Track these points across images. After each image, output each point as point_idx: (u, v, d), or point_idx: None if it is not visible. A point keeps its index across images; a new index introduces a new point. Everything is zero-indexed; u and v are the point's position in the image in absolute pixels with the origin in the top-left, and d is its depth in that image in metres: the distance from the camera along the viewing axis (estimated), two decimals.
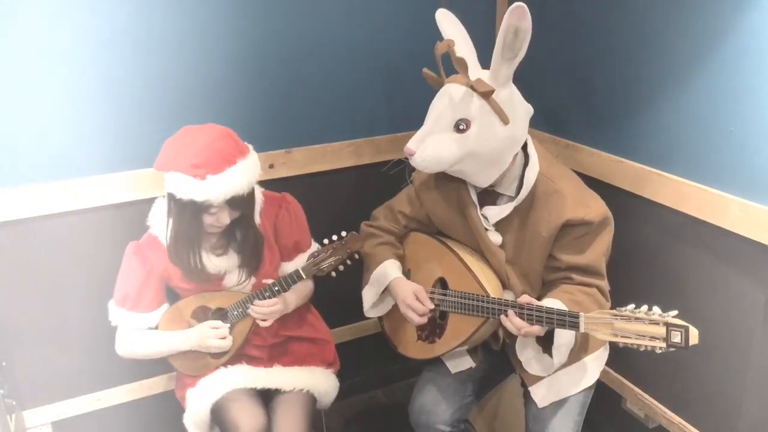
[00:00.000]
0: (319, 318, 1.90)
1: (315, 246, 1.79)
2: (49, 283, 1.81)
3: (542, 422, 1.60)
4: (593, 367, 1.65)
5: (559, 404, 1.61)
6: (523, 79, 1.67)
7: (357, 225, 1.86)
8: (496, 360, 1.77)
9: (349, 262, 1.67)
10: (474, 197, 1.59)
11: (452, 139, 1.44)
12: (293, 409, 1.69)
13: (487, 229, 1.58)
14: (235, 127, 1.57)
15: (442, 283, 1.67)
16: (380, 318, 1.85)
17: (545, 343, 1.53)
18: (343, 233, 1.65)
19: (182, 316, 1.68)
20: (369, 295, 1.75)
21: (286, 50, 1.88)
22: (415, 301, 1.62)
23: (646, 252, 1.78)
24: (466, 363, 1.74)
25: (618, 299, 1.67)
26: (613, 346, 1.73)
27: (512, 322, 1.44)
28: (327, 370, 1.82)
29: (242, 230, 1.61)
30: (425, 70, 1.53)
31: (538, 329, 1.42)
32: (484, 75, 1.45)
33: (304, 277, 1.64)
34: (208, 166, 1.43)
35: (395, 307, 1.75)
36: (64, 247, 1.80)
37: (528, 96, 1.53)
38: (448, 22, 1.57)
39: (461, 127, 1.43)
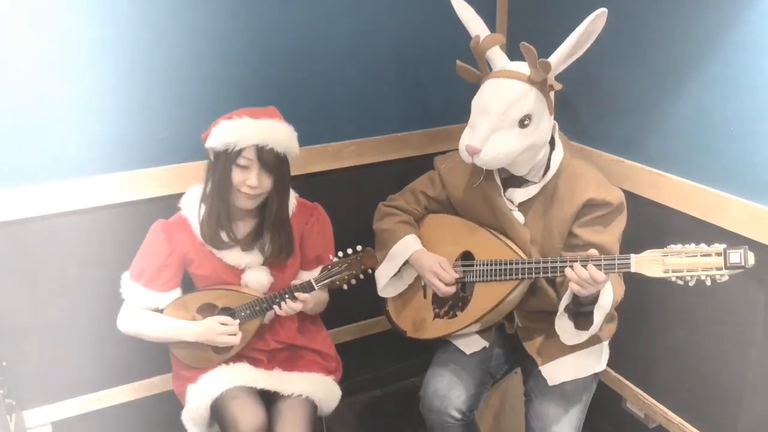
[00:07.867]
0: (323, 329, 1.88)
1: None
2: (49, 283, 1.81)
3: (543, 422, 1.60)
4: (604, 354, 1.69)
5: (560, 404, 1.61)
6: None
7: (357, 225, 1.85)
8: (508, 345, 1.78)
9: (362, 277, 1.64)
10: (498, 181, 1.63)
11: (517, 135, 1.47)
12: (294, 415, 1.67)
13: (510, 210, 1.61)
14: None
15: (465, 256, 1.68)
16: (386, 304, 1.84)
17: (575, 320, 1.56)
18: (359, 247, 1.62)
19: (187, 309, 1.68)
20: (386, 271, 1.73)
21: (286, 50, 1.88)
22: (441, 269, 1.63)
23: None
24: (479, 343, 1.74)
25: None
26: (614, 346, 1.75)
27: (577, 271, 1.39)
28: (327, 378, 1.79)
29: (274, 228, 1.63)
30: (460, 63, 1.56)
31: (604, 277, 1.38)
32: (523, 67, 1.49)
33: (315, 288, 1.62)
34: (250, 114, 1.55)
35: (405, 290, 1.76)
36: (64, 247, 1.79)
37: None
38: (466, 11, 1.62)
39: (525, 123, 1.47)
